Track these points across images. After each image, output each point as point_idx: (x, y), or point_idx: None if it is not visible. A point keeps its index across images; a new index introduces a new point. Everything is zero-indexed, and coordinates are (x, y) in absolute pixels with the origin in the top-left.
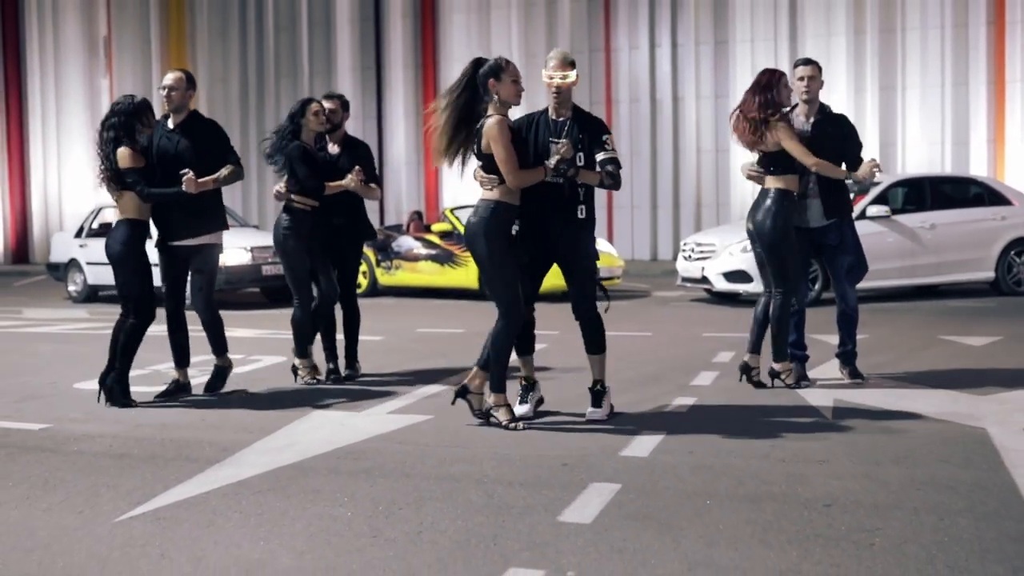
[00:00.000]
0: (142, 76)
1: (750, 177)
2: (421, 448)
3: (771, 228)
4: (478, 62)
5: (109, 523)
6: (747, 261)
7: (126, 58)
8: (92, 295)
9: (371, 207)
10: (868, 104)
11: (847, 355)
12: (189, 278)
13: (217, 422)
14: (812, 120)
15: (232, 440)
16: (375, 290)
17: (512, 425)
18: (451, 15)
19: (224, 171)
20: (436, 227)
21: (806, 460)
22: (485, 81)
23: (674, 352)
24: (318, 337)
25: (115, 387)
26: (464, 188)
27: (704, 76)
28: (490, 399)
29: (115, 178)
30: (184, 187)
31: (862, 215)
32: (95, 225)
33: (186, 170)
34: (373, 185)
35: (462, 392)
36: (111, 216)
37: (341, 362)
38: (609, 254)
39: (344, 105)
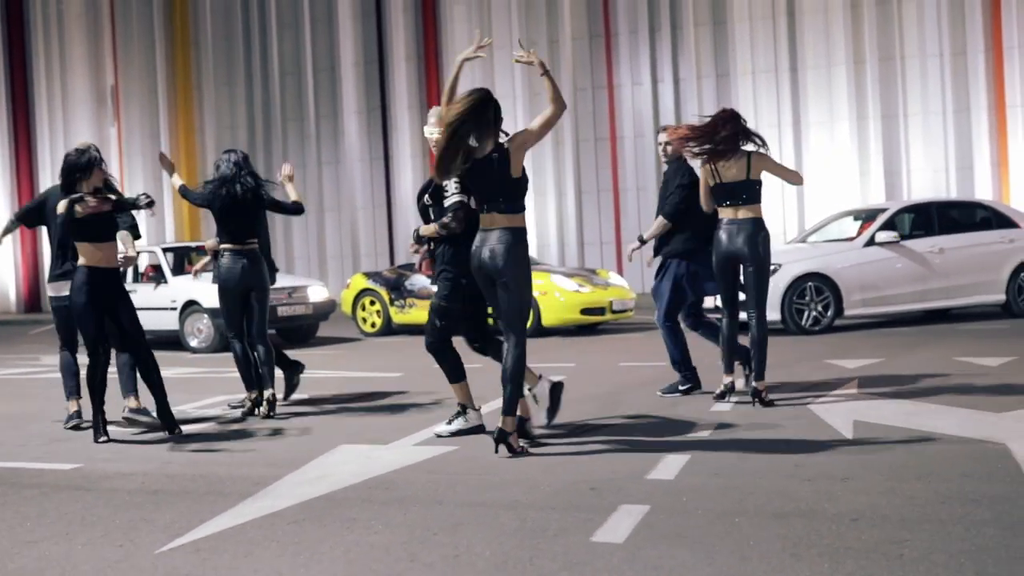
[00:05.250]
0: (149, 125)
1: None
2: (451, 477)
3: (765, 253)
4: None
5: (150, 555)
6: None
7: (133, 107)
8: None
9: (372, 244)
10: (871, 133)
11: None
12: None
13: (247, 458)
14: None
15: (263, 474)
16: (390, 328)
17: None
18: (453, 51)
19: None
20: None
21: (831, 477)
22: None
23: None
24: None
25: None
26: None
27: (708, 109)
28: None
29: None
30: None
31: (871, 242)
32: None
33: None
34: None
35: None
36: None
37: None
38: (622, 287)
39: None
